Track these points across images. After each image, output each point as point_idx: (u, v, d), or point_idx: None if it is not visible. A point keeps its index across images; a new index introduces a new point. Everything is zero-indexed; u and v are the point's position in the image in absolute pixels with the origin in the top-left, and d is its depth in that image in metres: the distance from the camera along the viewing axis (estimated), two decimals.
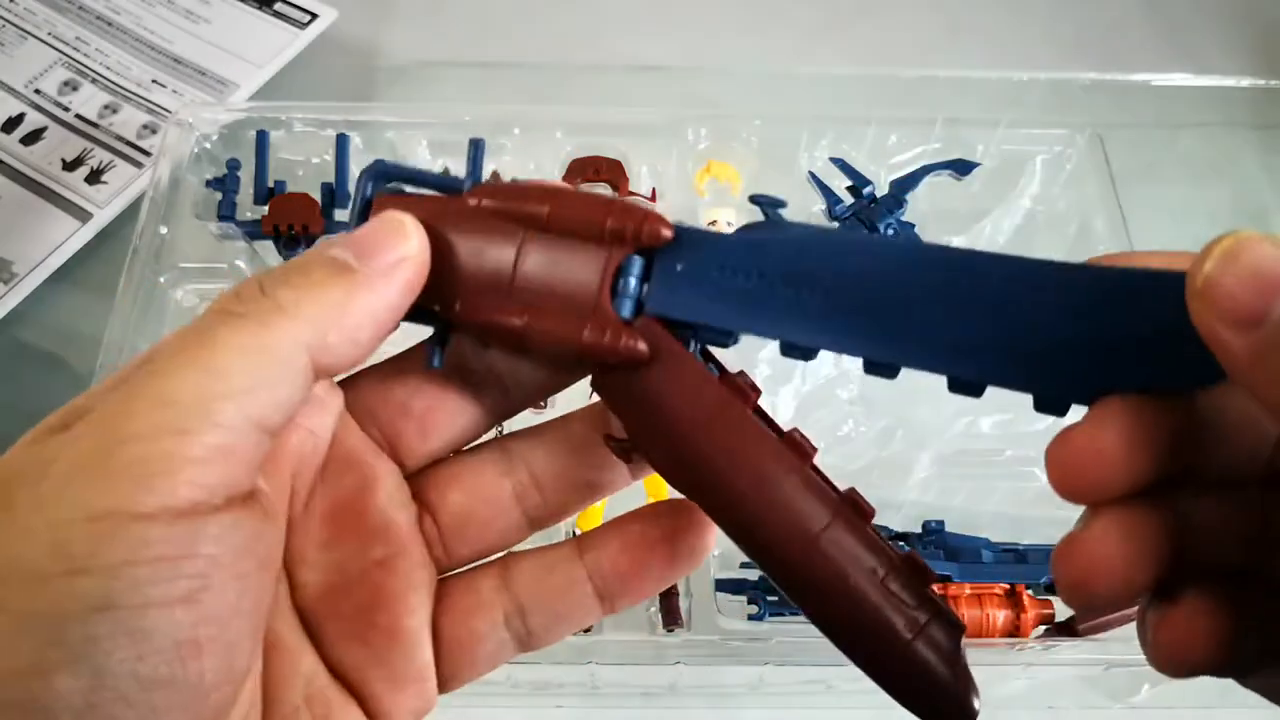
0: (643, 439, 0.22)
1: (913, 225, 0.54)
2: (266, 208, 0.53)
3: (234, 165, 0.54)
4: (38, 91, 0.62)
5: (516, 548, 0.25)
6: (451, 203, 0.22)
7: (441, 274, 0.22)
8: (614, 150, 0.55)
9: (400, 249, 0.21)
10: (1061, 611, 0.41)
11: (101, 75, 0.63)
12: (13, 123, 0.60)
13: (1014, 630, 0.41)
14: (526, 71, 0.66)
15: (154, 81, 0.63)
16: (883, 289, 0.20)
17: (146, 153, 0.59)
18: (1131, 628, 0.39)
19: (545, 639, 0.25)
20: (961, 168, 0.56)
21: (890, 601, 0.21)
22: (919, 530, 0.45)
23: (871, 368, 0.21)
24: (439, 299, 0.22)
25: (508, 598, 0.24)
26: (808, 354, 0.22)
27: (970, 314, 0.20)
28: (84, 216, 0.57)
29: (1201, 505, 0.20)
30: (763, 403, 0.22)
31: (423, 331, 0.24)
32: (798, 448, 0.22)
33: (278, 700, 0.22)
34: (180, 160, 0.52)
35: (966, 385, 0.20)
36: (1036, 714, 0.46)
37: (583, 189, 0.52)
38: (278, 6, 0.67)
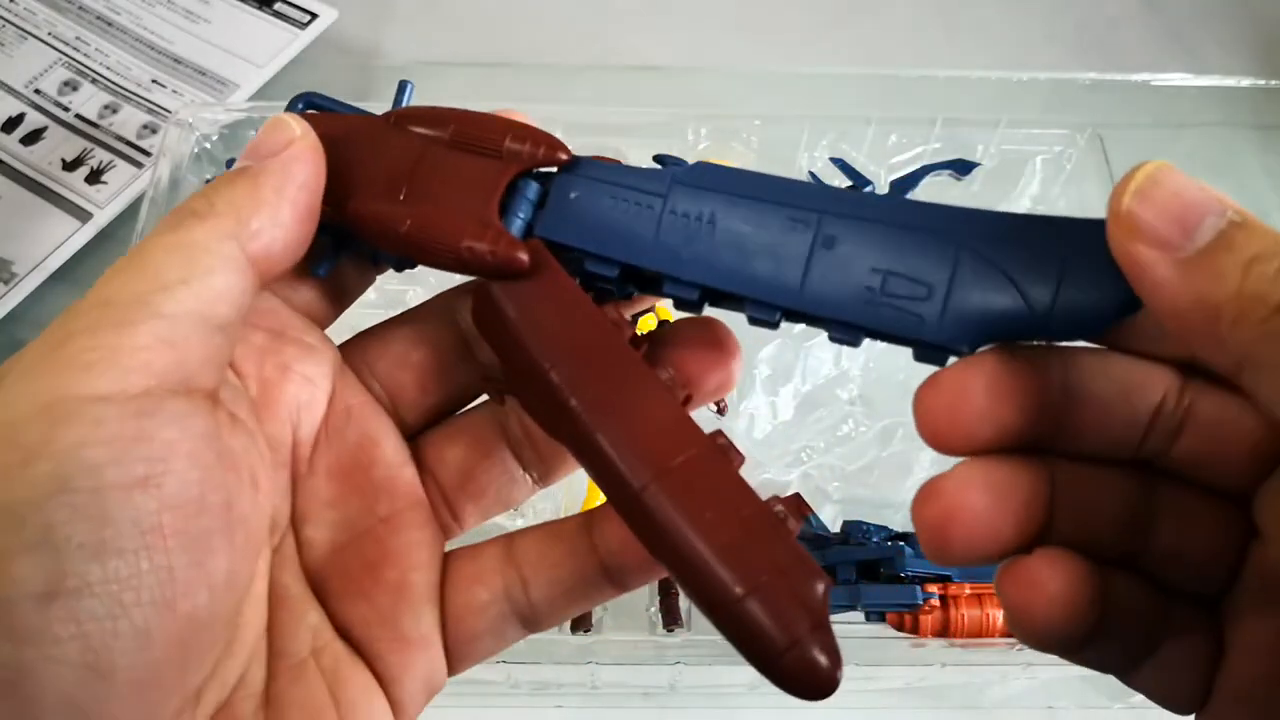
0: (513, 368, 0.22)
1: None
2: None
3: (234, 165, 0.54)
4: (38, 91, 0.62)
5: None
6: (366, 121, 0.24)
7: (342, 181, 0.23)
8: (614, 150, 0.55)
9: (285, 134, 0.22)
10: None
11: (101, 75, 0.63)
12: (13, 123, 0.60)
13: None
14: (526, 71, 0.66)
15: (154, 81, 0.63)
16: (768, 231, 0.20)
17: (146, 153, 0.59)
18: None
19: (549, 614, 0.24)
20: (961, 168, 0.56)
21: (729, 555, 0.18)
22: None
23: (753, 319, 0.21)
24: (335, 201, 0.23)
25: (510, 568, 0.24)
26: (693, 304, 0.21)
27: (854, 262, 0.20)
28: (84, 216, 0.57)
29: (1075, 476, 0.20)
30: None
31: (410, 298, 0.24)
32: (670, 387, 0.21)
33: (284, 652, 0.22)
34: (180, 160, 0.52)
35: (845, 334, 0.20)
36: (1036, 714, 0.46)
37: None
38: (278, 6, 0.67)
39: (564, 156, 0.22)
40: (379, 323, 0.25)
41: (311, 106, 0.25)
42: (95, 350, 0.18)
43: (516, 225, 0.22)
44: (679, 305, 0.22)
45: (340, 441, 0.23)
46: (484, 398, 0.25)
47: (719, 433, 0.21)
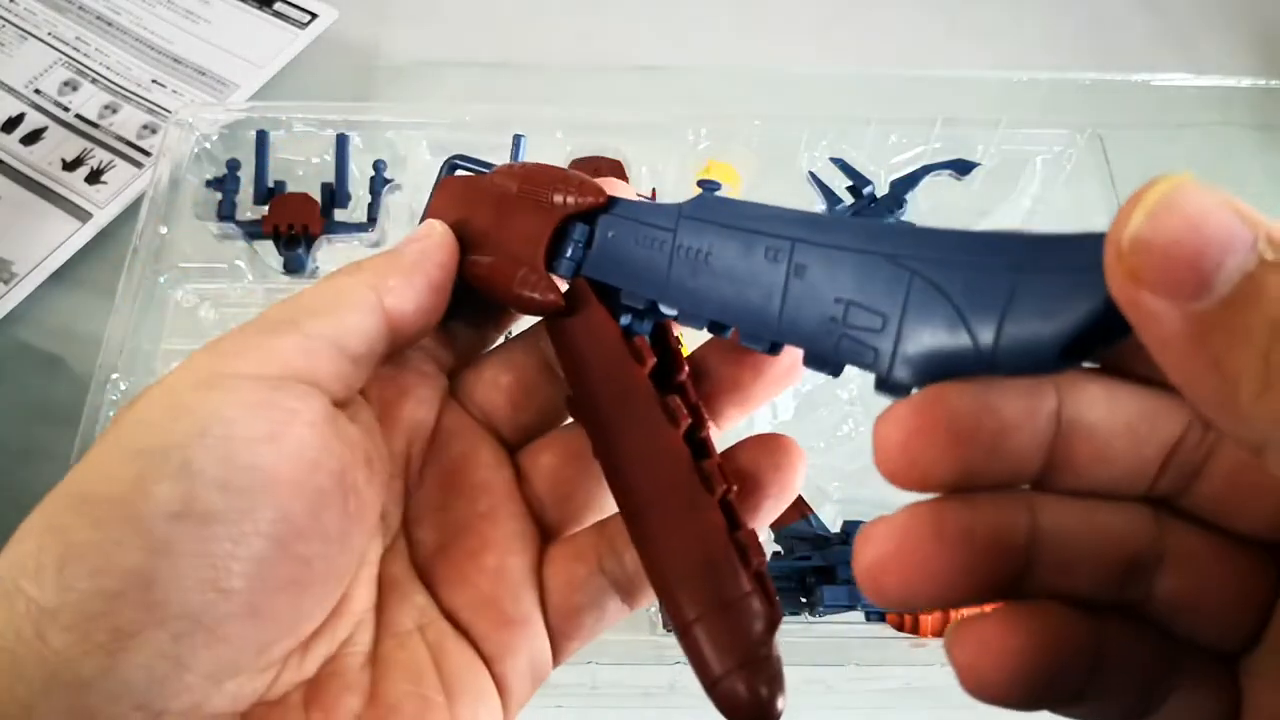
0: (569, 383, 0.25)
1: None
2: (266, 208, 0.53)
3: (234, 165, 0.54)
4: (38, 91, 0.62)
5: None
6: (483, 180, 0.27)
7: (463, 238, 0.26)
8: (614, 150, 0.55)
9: (429, 230, 0.26)
10: None
11: (101, 75, 0.63)
12: (13, 123, 0.60)
13: None
14: (526, 71, 0.66)
15: (154, 81, 0.63)
16: (751, 263, 0.21)
17: (146, 153, 0.59)
18: None
19: (647, 586, 0.25)
20: (961, 168, 0.56)
21: (685, 584, 0.21)
22: None
23: (747, 345, 0.22)
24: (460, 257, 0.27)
25: (603, 542, 0.25)
26: (701, 328, 0.23)
27: (820, 291, 0.19)
28: (84, 216, 0.57)
29: (1065, 515, 0.17)
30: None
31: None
32: (672, 414, 0.23)
33: (391, 623, 0.24)
34: (180, 160, 0.52)
35: (819, 365, 0.20)
36: (1036, 713, 0.46)
37: None
38: (278, 6, 0.67)
39: (598, 200, 0.25)
40: (481, 354, 0.29)
41: (459, 167, 0.29)
42: (245, 347, 0.22)
43: (566, 267, 0.25)
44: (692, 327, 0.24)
45: (445, 455, 0.26)
46: None
47: (710, 460, 0.23)
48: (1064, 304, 0.16)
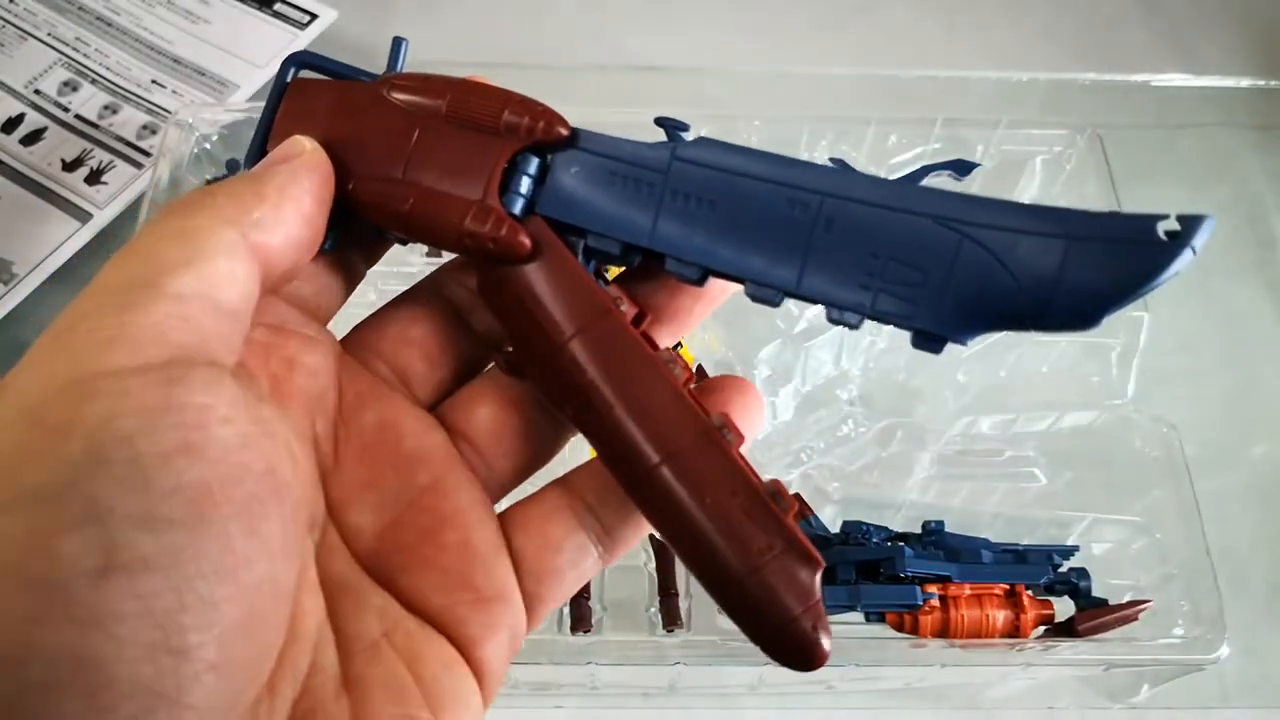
0: (520, 344, 0.22)
1: None
2: None
3: (234, 165, 0.54)
4: (38, 92, 0.62)
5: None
6: (361, 89, 0.23)
7: (340, 156, 0.22)
8: None
9: (295, 148, 0.22)
10: (1062, 611, 0.41)
11: (101, 76, 0.63)
12: (13, 123, 0.60)
13: (1014, 631, 0.41)
14: (526, 72, 0.65)
15: (154, 82, 0.63)
16: (769, 212, 0.20)
17: (146, 153, 0.59)
18: (1131, 628, 0.39)
19: (625, 537, 0.24)
20: (961, 168, 0.55)
21: (736, 530, 0.20)
22: (919, 530, 0.45)
23: (754, 297, 0.21)
24: (337, 180, 0.23)
25: (575, 500, 0.24)
26: (696, 277, 0.21)
27: (853, 246, 0.20)
28: (84, 217, 0.57)
29: None
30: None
31: (398, 285, 0.24)
32: (670, 365, 0.21)
33: (353, 636, 0.21)
34: (180, 160, 0.52)
35: (843, 316, 0.20)
36: (1036, 714, 0.46)
37: None
38: (278, 6, 0.67)
39: (564, 131, 0.22)
40: (372, 313, 0.25)
41: (306, 66, 0.24)
42: (106, 329, 0.17)
43: (518, 204, 0.22)
44: (681, 279, 0.22)
45: (358, 426, 0.23)
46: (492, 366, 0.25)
47: (725, 414, 0.21)
48: (1115, 270, 0.18)
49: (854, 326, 0.20)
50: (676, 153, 0.21)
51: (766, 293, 0.21)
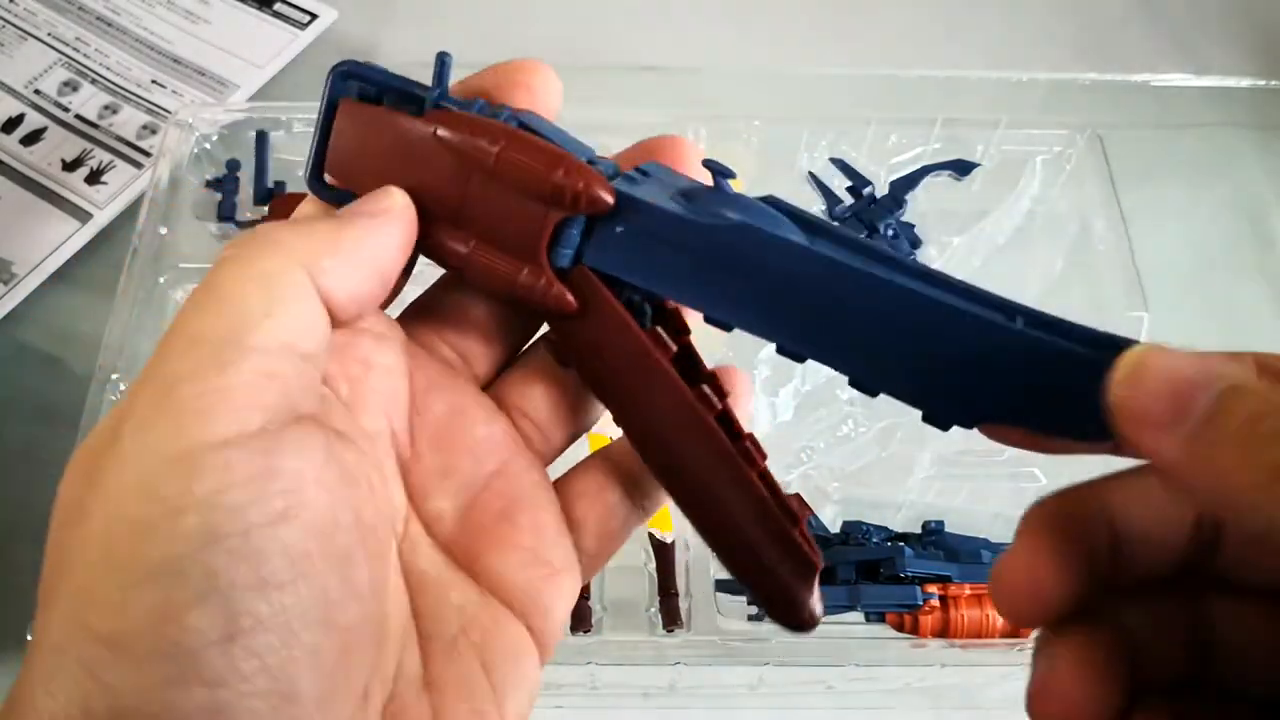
0: (580, 370, 0.25)
1: (913, 225, 0.54)
2: (266, 208, 0.53)
3: (234, 165, 0.54)
4: (38, 92, 0.62)
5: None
6: (411, 126, 0.23)
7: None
8: (614, 150, 0.55)
9: (386, 201, 0.22)
10: None
11: (101, 75, 0.63)
12: (13, 123, 0.60)
13: (1014, 630, 0.41)
14: None
15: (154, 82, 0.63)
16: (807, 295, 0.21)
17: (146, 153, 0.59)
18: None
19: (660, 499, 0.26)
20: (961, 168, 0.56)
21: (751, 543, 0.23)
22: (919, 530, 0.45)
23: (782, 352, 0.22)
24: None
25: (619, 470, 0.26)
26: (727, 328, 0.23)
27: (880, 337, 0.21)
28: (84, 217, 0.57)
29: (1138, 616, 0.20)
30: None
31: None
32: (704, 399, 0.23)
33: (434, 634, 0.22)
34: (180, 160, 0.52)
35: (865, 388, 0.22)
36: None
37: None
38: (278, 7, 0.67)
39: (608, 201, 0.22)
40: (427, 291, 0.26)
41: (353, 77, 0.24)
42: (205, 395, 0.18)
43: (565, 257, 0.23)
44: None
45: (431, 415, 0.24)
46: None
47: (750, 435, 0.23)
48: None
49: (871, 395, 0.22)
50: (717, 236, 0.22)
51: (794, 357, 0.22)
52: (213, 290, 0.20)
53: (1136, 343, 0.19)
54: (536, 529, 0.24)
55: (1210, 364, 0.17)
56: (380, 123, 0.24)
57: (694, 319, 0.25)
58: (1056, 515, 0.20)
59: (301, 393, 0.20)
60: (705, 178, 0.24)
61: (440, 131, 0.23)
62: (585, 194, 0.22)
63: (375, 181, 0.23)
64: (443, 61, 0.24)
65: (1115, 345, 0.19)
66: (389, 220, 0.22)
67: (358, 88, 0.24)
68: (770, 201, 0.23)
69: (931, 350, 0.21)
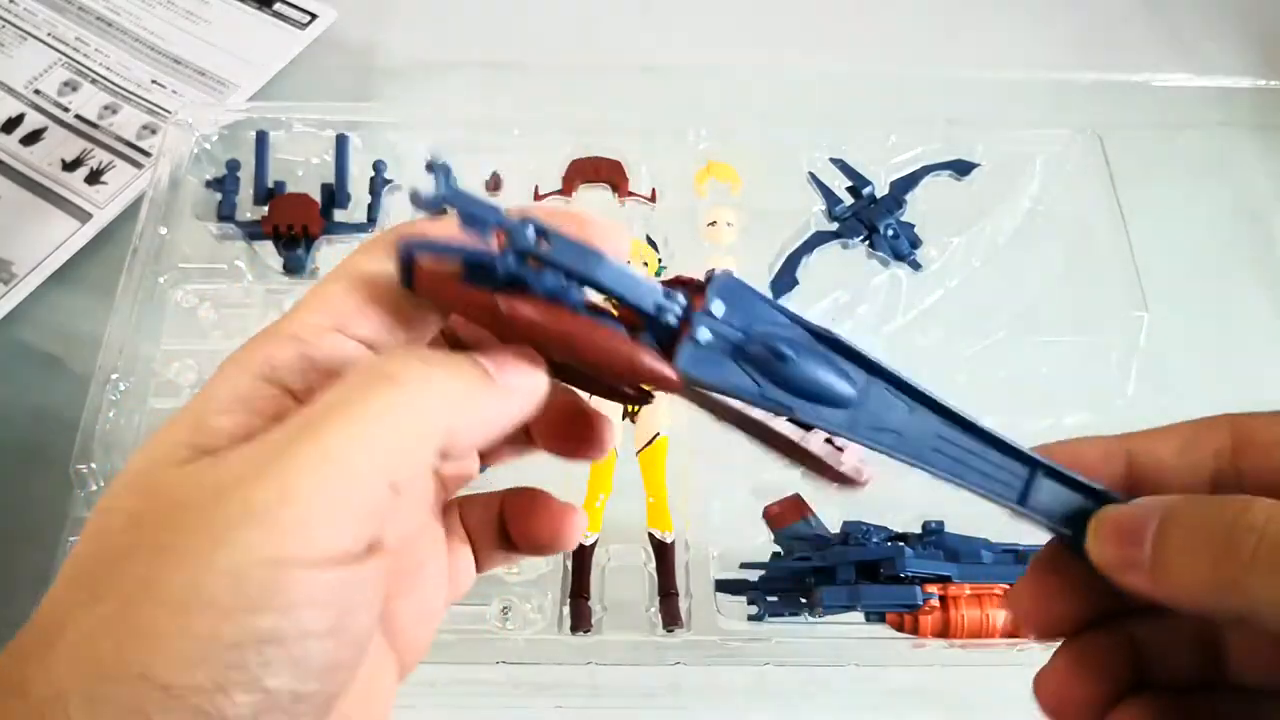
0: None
1: (913, 225, 0.54)
2: (266, 208, 0.53)
3: (234, 166, 0.54)
4: (38, 92, 0.62)
5: None
6: (484, 301, 0.23)
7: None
8: (614, 151, 0.55)
9: (534, 381, 0.23)
10: None
11: (101, 76, 0.63)
12: (13, 123, 0.60)
13: (1014, 630, 0.41)
14: (526, 72, 0.66)
15: (154, 82, 0.63)
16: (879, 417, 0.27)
17: (146, 153, 0.59)
18: None
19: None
20: (961, 168, 0.56)
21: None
22: (919, 530, 0.45)
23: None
24: None
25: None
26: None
27: (915, 435, 0.27)
28: (84, 217, 0.57)
29: (1148, 627, 0.24)
30: None
31: None
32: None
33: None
34: (180, 161, 0.52)
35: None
36: (1037, 714, 0.46)
37: (582, 193, 0.51)
38: (278, 7, 0.67)
39: (674, 383, 0.23)
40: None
41: (417, 249, 0.23)
42: (314, 516, 0.20)
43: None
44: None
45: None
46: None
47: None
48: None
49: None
50: (766, 394, 0.24)
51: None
52: (356, 404, 0.21)
53: (1116, 499, 0.23)
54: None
55: (1148, 504, 0.22)
56: (453, 290, 0.23)
57: None
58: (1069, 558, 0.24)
59: (385, 523, 0.21)
60: (627, 255, 0.25)
61: (515, 314, 0.23)
62: (651, 383, 0.23)
63: (463, 310, 0.23)
64: (442, 171, 0.22)
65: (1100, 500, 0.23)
66: (525, 396, 0.23)
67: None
68: (828, 340, 0.24)
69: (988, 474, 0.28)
